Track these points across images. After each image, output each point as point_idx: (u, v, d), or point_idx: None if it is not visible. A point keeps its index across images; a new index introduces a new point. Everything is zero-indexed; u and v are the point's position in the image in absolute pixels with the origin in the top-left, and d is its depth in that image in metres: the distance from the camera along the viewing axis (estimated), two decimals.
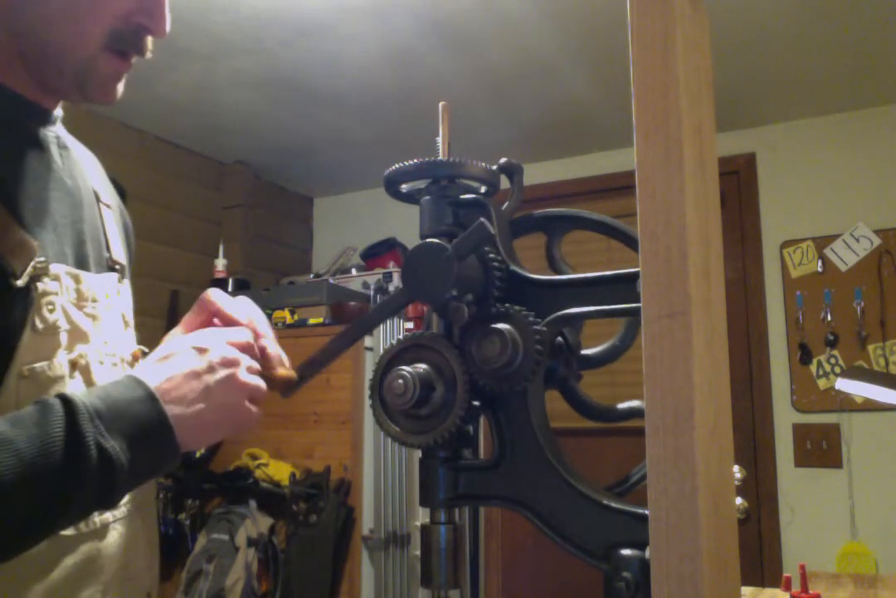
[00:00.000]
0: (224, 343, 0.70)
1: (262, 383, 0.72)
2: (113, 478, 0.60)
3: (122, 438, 0.61)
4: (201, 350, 0.69)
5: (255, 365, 0.72)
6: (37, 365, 0.69)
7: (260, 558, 2.64)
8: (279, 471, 2.74)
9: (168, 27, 0.80)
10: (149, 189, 3.06)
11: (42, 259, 0.70)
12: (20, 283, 0.68)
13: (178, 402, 0.65)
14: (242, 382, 0.69)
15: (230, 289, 3.14)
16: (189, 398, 0.66)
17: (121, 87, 0.81)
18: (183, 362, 0.68)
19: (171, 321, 3.04)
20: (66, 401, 0.60)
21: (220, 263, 3.22)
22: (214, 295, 0.78)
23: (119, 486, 0.61)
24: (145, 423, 0.62)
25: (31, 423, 0.59)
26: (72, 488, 0.58)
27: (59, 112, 0.83)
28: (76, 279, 0.75)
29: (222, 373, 0.68)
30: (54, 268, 0.72)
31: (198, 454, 2.82)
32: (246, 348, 0.72)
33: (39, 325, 0.69)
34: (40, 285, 0.70)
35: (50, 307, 0.71)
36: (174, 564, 2.72)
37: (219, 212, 3.44)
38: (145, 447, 0.62)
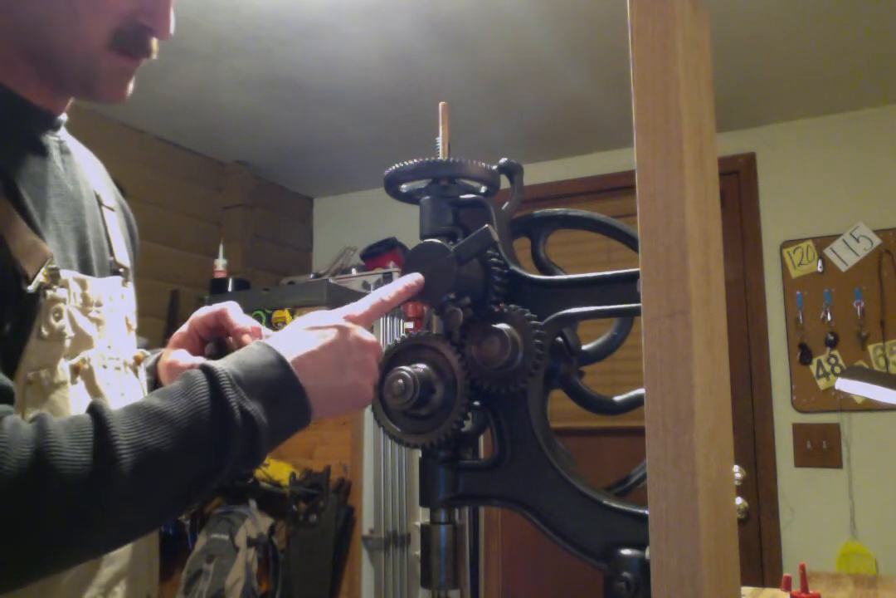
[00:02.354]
0: (364, 323, 0.73)
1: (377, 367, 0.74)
2: (257, 438, 0.63)
3: (260, 400, 0.64)
4: (341, 330, 0.71)
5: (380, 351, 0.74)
6: (40, 371, 0.69)
7: (260, 558, 2.64)
8: (279, 471, 2.74)
9: (172, 29, 0.80)
10: (149, 189, 3.06)
11: (54, 266, 0.71)
12: (31, 288, 0.68)
13: (313, 375, 0.68)
14: (373, 367, 0.72)
15: (230, 289, 3.14)
16: (323, 373, 0.68)
17: (131, 85, 0.81)
18: (321, 337, 0.70)
19: (171, 321, 3.04)
20: (208, 371, 0.64)
21: (220, 263, 3.22)
22: (203, 311, 0.84)
23: (262, 444, 0.64)
24: (278, 385, 0.66)
25: (179, 394, 0.63)
26: (224, 449, 0.62)
27: (63, 117, 0.83)
28: (82, 285, 0.75)
29: (360, 356, 0.71)
30: (63, 274, 0.72)
31: None
32: (380, 311, 0.74)
33: (45, 332, 0.70)
34: (49, 293, 0.70)
35: (57, 314, 0.71)
36: (174, 564, 2.71)
37: (219, 212, 3.44)
38: (281, 408, 0.66)
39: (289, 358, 0.67)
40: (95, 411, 0.60)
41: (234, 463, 0.63)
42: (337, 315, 0.72)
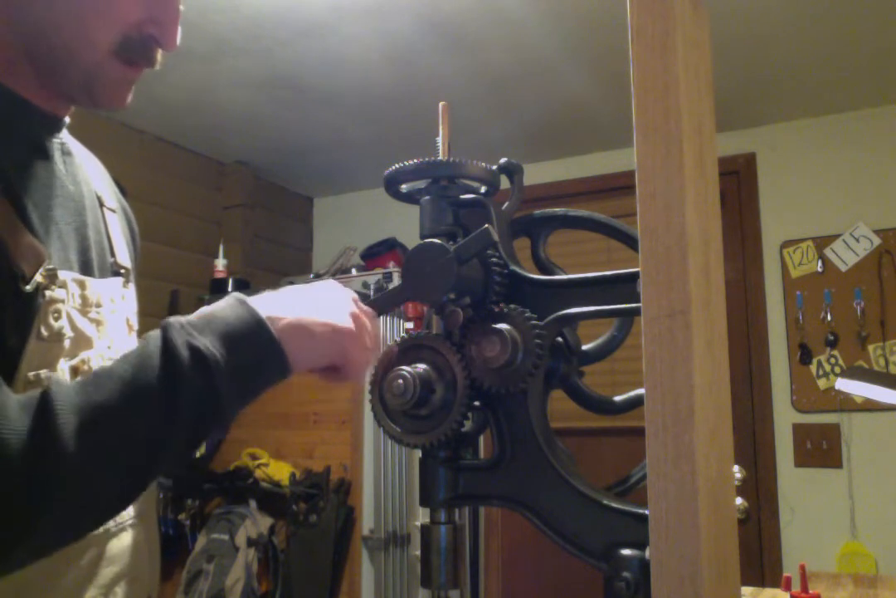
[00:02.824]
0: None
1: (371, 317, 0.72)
2: (210, 373, 0.59)
3: (212, 335, 0.61)
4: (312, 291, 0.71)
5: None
6: (40, 372, 0.69)
7: (260, 558, 2.64)
8: (279, 471, 2.74)
9: (178, 41, 0.80)
10: (149, 189, 3.06)
11: (51, 267, 0.71)
12: (28, 288, 0.68)
13: (277, 309, 0.65)
14: (353, 306, 0.70)
15: (230, 289, 3.14)
16: (291, 306, 0.66)
17: (130, 93, 0.81)
18: (292, 288, 0.70)
19: None
20: (162, 323, 0.62)
21: (220, 263, 3.22)
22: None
23: (222, 382, 0.60)
24: (235, 320, 0.63)
25: (131, 352, 0.61)
26: (174, 393, 0.58)
27: (66, 119, 0.83)
28: (81, 285, 0.75)
29: (333, 294, 0.69)
30: (62, 275, 0.72)
31: (198, 454, 2.82)
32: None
33: (44, 332, 0.70)
34: (48, 293, 0.70)
35: (56, 315, 0.71)
36: (174, 564, 2.71)
37: (219, 212, 3.44)
38: (241, 342, 0.62)
39: (249, 300, 0.65)
40: (48, 383, 0.59)
41: (194, 409, 0.59)
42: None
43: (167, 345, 0.60)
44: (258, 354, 0.63)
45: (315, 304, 0.68)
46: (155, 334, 0.62)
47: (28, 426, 0.55)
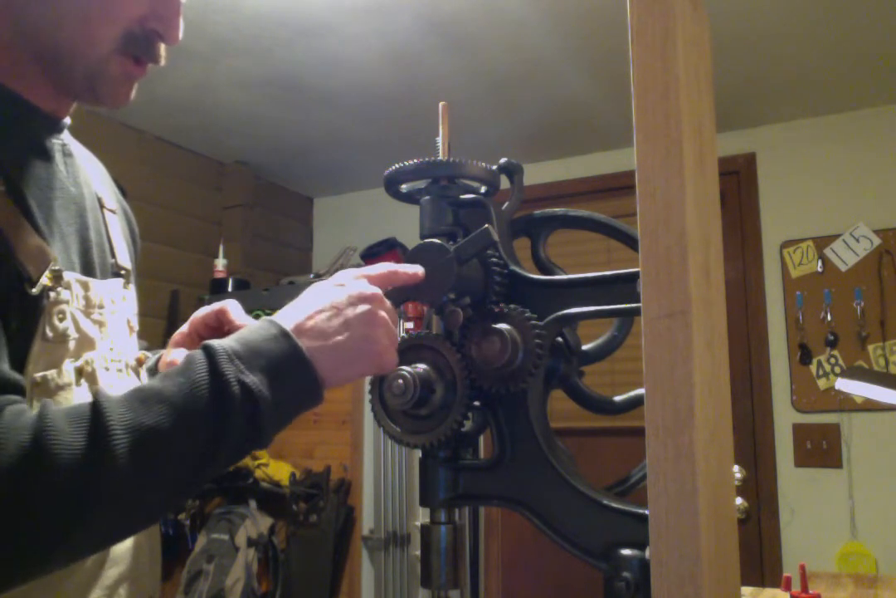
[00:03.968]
0: (363, 279, 0.71)
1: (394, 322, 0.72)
2: (258, 411, 0.62)
3: (261, 373, 0.63)
4: (340, 285, 0.70)
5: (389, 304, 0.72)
6: (47, 373, 0.69)
7: (260, 558, 2.64)
8: (279, 471, 2.74)
9: (181, 35, 0.80)
10: (149, 189, 3.05)
11: (57, 268, 0.71)
12: (35, 290, 0.68)
13: (314, 336, 0.66)
14: (381, 317, 0.69)
15: (230, 289, 3.14)
16: (326, 332, 0.67)
17: (133, 91, 0.81)
18: (320, 297, 0.70)
19: (171, 321, 3.04)
20: (206, 348, 0.63)
21: (220, 263, 3.22)
22: (203, 310, 0.83)
23: (266, 420, 0.62)
24: (281, 357, 0.64)
25: (177, 373, 0.62)
26: (223, 424, 0.60)
27: (67, 120, 0.83)
28: (85, 287, 0.75)
29: (361, 307, 0.69)
30: (66, 276, 0.72)
31: None
32: (385, 279, 0.72)
33: (49, 333, 0.70)
34: (52, 294, 0.70)
35: (60, 316, 0.71)
36: (174, 564, 2.71)
37: (219, 212, 3.44)
38: (285, 381, 0.64)
39: (289, 327, 0.66)
40: (95, 397, 0.60)
41: (237, 440, 0.61)
42: (342, 274, 0.72)
43: (219, 377, 0.61)
44: (301, 391, 0.66)
45: (343, 314, 0.68)
46: (199, 359, 0.63)
47: (82, 442, 0.56)
